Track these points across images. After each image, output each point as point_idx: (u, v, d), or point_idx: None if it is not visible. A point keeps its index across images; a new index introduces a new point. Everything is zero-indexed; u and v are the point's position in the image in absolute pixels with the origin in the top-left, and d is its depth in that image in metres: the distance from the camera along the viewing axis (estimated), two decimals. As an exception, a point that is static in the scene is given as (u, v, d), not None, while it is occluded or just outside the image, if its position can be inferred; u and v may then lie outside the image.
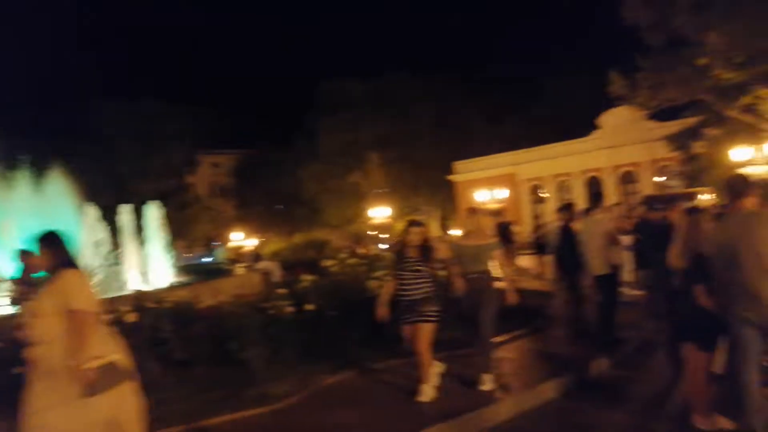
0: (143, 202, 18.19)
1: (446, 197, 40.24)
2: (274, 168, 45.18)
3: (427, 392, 5.39)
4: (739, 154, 17.26)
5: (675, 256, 4.71)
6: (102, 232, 14.56)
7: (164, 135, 40.03)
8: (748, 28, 13.59)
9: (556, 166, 37.36)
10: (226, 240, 41.30)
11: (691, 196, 16.98)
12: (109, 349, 3.50)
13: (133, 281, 13.86)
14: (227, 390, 5.96)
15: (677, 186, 28.02)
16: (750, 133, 17.13)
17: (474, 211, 6.30)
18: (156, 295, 8.47)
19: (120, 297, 9.51)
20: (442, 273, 6.45)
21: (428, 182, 40.39)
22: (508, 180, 38.21)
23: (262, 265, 16.24)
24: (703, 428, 4.45)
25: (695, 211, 4.85)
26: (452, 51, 46.57)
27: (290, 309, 7.18)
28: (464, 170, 40.51)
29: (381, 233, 33.15)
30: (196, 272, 17.62)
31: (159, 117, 39.84)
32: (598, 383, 6.08)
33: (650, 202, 12.65)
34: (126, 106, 38.88)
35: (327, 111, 40.79)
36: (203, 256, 42.63)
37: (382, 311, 5.71)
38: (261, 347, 6.58)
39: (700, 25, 14.68)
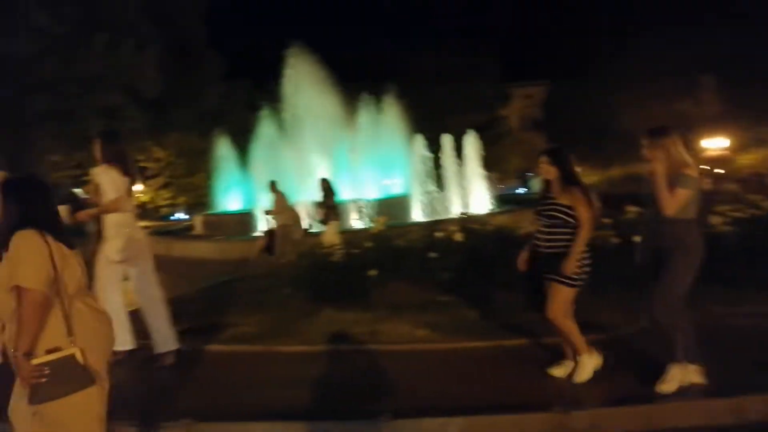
0: (460, 135, 19.15)
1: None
2: (584, 98, 42.57)
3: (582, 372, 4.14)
4: None
5: None
6: (428, 160, 15.95)
7: (472, 68, 41.03)
8: None
9: None
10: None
11: None
12: (69, 341, 2.46)
13: (455, 206, 14.95)
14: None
15: None
16: None
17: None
18: (479, 219, 8.95)
19: (446, 219, 10.32)
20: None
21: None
22: None
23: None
24: None
25: None
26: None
27: (615, 240, 6.81)
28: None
29: (716, 168, 28.87)
30: (511, 201, 18.07)
31: (467, 51, 40.86)
32: None
33: None
34: (446, 43, 40.80)
35: (645, 29, 36.14)
36: (516, 188, 43.38)
37: (521, 262, 4.39)
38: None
39: None
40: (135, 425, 3.72)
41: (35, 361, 2.38)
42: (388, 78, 21.46)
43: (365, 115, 18.43)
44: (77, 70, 33.88)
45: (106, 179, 4.97)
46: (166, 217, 44.92)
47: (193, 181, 41.15)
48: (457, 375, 4.41)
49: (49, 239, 2.51)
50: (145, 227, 29.34)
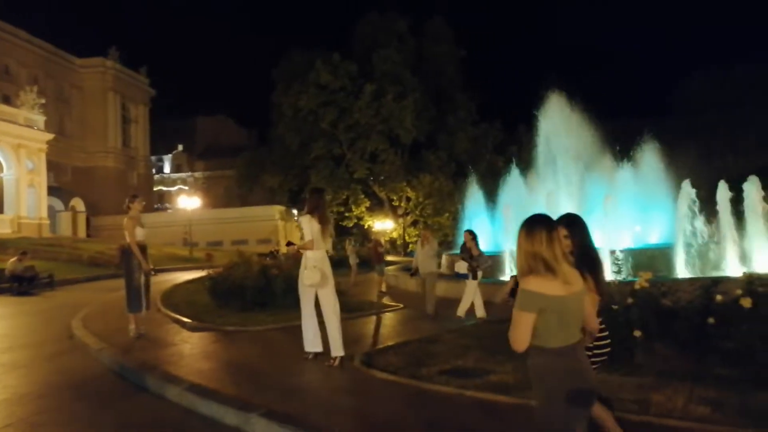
0: (736, 180, 16.83)
1: None
2: None
3: None
4: None
5: None
6: (697, 209, 14.28)
7: (761, 104, 36.02)
8: None
9: None
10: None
11: None
12: None
13: (732, 262, 13.05)
14: None
15: None
16: None
17: None
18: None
19: (725, 278, 9.03)
20: None
21: None
22: None
23: None
24: None
25: None
26: None
27: None
28: None
29: None
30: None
31: (754, 84, 36.00)
32: None
33: None
34: (715, 75, 36.77)
35: None
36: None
37: None
38: None
39: None
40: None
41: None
42: (652, 113, 19.92)
43: (623, 155, 17.38)
44: (348, 119, 38.40)
45: (306, 226, 6.74)
46: (412, 253, 47.58)
47: (440, 221, 43.06)
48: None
49: None
50: (393, 262, 31.41)
